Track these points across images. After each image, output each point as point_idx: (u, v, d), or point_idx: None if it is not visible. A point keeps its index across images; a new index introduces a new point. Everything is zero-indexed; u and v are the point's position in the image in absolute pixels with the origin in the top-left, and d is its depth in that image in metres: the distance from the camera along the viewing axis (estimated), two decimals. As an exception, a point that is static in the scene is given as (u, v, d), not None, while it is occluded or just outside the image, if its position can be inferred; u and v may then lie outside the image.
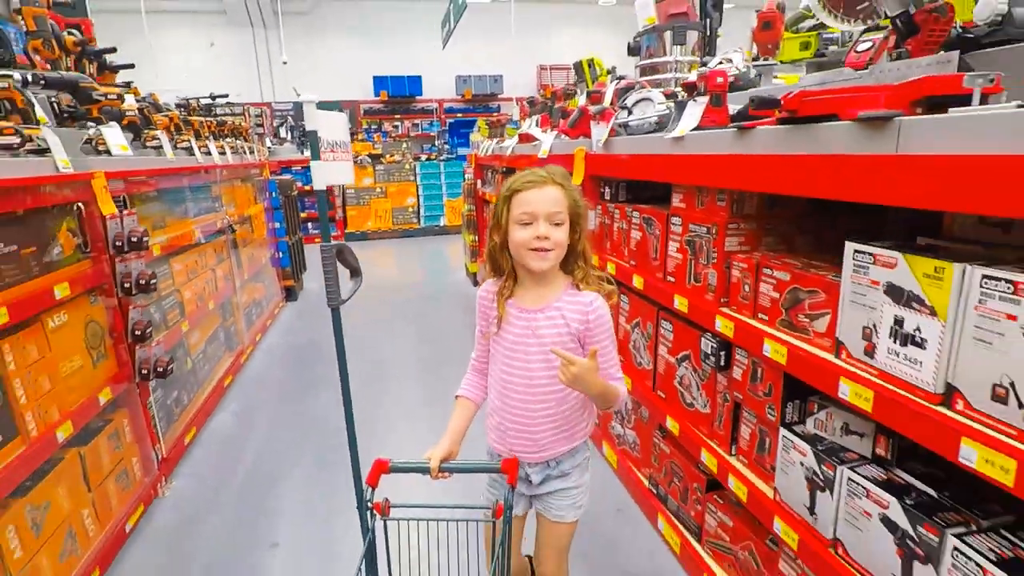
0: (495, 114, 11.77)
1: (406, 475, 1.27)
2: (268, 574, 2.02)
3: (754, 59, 2.13)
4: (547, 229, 1.24)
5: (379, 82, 12.37)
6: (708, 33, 2.81)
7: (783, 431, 1.40)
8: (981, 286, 0.92)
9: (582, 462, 1.43)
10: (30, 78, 2.18)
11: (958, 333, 0.96)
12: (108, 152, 2.36)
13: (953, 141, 0.91)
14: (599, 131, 2.39)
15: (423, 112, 12.70)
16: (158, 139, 2.99)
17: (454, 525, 1.26)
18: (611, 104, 2.52)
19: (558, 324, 1.30)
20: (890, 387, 1.09)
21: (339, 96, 12.37)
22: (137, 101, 3.07)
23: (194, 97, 4.65)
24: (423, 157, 11.09)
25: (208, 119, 4.23)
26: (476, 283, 6.05)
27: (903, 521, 1.08)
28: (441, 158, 10.65)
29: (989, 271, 0.91)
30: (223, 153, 3.94)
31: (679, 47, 2.65)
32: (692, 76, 1.91)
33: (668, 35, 2.63)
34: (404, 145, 11.39)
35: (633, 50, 2.79)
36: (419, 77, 12.54)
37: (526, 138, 3.61)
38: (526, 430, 1.34)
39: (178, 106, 4.22)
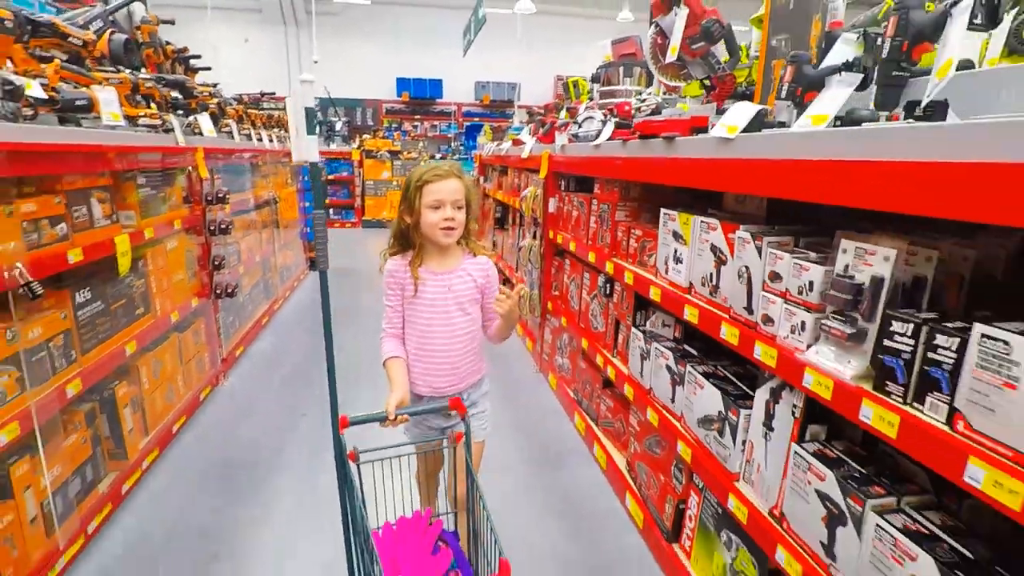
0: (509, 120, 12.74)
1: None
2: (298, 431, 2.94)
3: (665, 93, 3.03)
4: (452, 212, 1.60)
5: (402, 84, 13.44)
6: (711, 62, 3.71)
7: (633, 329, 2.30)
8: (700, 228, 1.82)
9: (486, 392, 1.82)
10: (158, 80, 3.15)
11: (695, 253, 1.86)
12: (201, 134, 3.32)
13: (699, 150, 1.80)
14: (560, 139, 3.31)
15: (442, 114, 13.71)
16: (229, 127, 3.96)
17: (406, 460, 1.55)
18: (571, 119, 3.44)
19: (467, 281, 1.69)
20: (672, 289, 1.98)
21: (363, 95, 13.45)
22: (214, 96, 4.05)
23: (247, 93, 5.65)
24: (437, 156, 12.05)
25: (259, 112, 5.21)
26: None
27: (674, 364, 1.97)
28: (454, 157, 11.59)
29: (704, 219, 1.80)
30: (271, 141, 4.92)
31: (628, 78, 3.56)
32: (633, 102, 2.81)
33: (620, 69, 3.54)
34: (421, 144, 12.36)
35: (595, 78, 3.71)
36: (440, 81, 13.58)
37: (517, 142, 4.55)
38: (450, 368, 1.69)
39: (235, 99, 5.20)
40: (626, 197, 2.52)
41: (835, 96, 1.29)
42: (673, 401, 1.98)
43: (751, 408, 1.56)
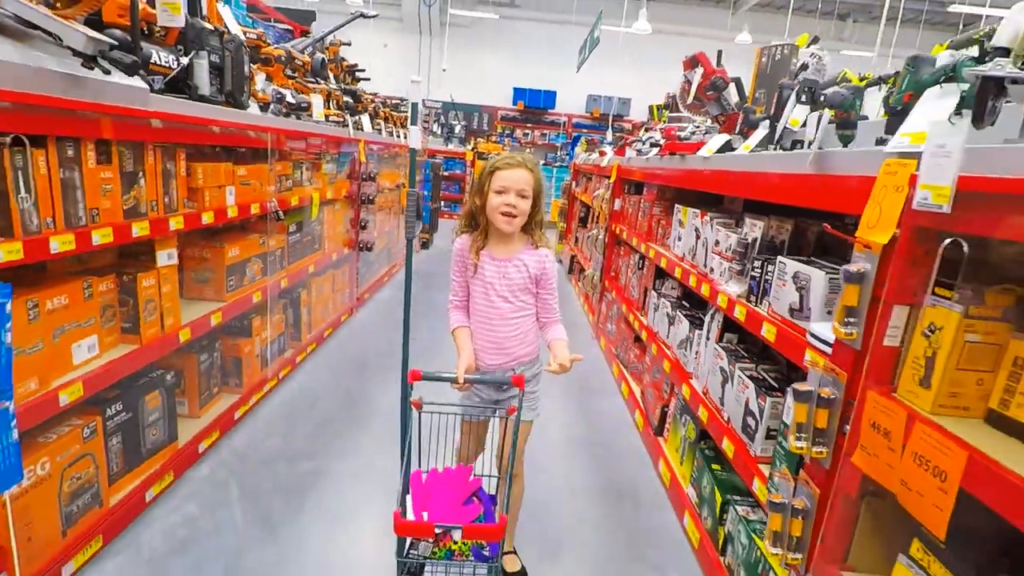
0: (618, 134, 13.68)
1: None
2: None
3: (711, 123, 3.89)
4: (515, 199, 1.71)
5: (518, 93, 14.83)
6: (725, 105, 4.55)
7: (651, 291, 3.22)
8: (690, 215, 2.73)
9: (539, 373, 1.91)
10: (341, 88, 4.53)
11: (687, 233, 2.78)
12: (362, 129, 4.66)
13: (693, 164, 2.72)
14: (628, 153, 4.28)
15: (552, 124, 14.92)
16: (380, 125, 5.33)
17: (454, 420, 1.74)
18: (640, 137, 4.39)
19: (521, 270, 1.79)
20: (673, 258, 2.90)
21: (482, 101, 15.00)
22: (372, 102, 5.45)
23: (390, 96, 7.13)
24: (541, 162, 13.23)
25: (398, 114, 6.63)
26: (558, 260, 8.04)
27: (670, 311, 2.88)
28: (556, 164, 12.72)
29: (693, 210, 2.72)
30: (405, 137, 6.30)
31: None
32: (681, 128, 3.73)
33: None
34: (528, 150, 13.64)
35: (667, 105, 4.62)
36: (554, 92, 14.82)
37: (601, 154, 5.55)
38: (495, 346, 1.83)
39: (380, 103, 6.66)
40: (661, 197, 3.45)
41: (756, 136, 2.20)
42: (668, 336, 2.90)
43: (703, 328, 2.47)
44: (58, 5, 1.65)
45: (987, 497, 0.96)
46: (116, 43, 1.72)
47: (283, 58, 3.26)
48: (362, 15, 4.86)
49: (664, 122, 5.38)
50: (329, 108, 4.07)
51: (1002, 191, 0.99)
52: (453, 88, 14.06)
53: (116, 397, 2.06)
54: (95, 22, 1.81)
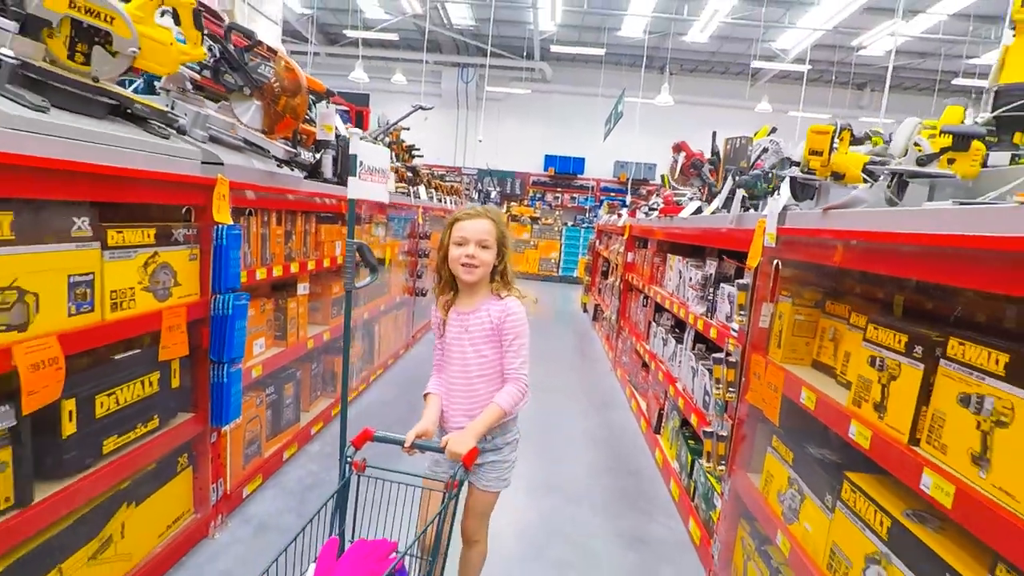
0: (633, 197, 14.83)
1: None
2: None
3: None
4: (475, 250, 1.73)
5: (549, 160, 16.26)
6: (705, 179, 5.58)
7: (652, 322, 4.14)
8: (676, 260, 3.69)
9: (512, 441, 1.85)
10: (403, 166, 5.74)
11: (674, 274, 3.72)
12: (419, 197, 5.82)
13: (673, 223, 3.69)
14: (639, 214, 5.30)
15: (582, 188, 16.21)
16: (431, 193, 6.52)
17: (411, 491, 1.64)
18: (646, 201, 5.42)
19: (483, 320, 1.79)
20: (665, 294, 3.83)
21: (515, 167, 16.45)
22: (427, 175, 6.67)
23: (434, 166, 8.41)
24: (570, 223, 14.39)
25: (443, 183, 7.87)
26: (584, 310, 8.98)
27: (664, 335, 3.78)
28: (584, 226, 13.84)
29: (678, 257, 3.67)
30: (450, 203, 7.49)
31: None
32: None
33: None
34: (558, 213, 14.85)
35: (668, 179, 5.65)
36: (583, 159, 16.19)
37: (619, 215, 6.59)
38: (466, 408, 1.81)
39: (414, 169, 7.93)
40: (659, 249, 4.41)
41: (715, 204, 3.18)
42: (662, 355, 3.79)
43: (683, 342, 3.37)
44: (265, 132, 2.79)
45: (795, 396, 1.85)
46: (296, 152, 2.84)
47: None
48: (420, 107, 6.13)
49: (669, 189, 6.43)
50: (398, 182, 5.24)
51: (793, 234, 1.94)
52: (488, 156, 15.56)
53: (270, 383, 3.06)
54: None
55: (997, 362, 1.11)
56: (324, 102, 3.16)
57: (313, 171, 3.30)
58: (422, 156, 6.96)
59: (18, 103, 1.54)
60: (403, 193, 5.23)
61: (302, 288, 3.27)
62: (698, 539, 2.64)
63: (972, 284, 1.23)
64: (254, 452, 2.88)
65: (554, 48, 13.90)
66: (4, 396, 1.53)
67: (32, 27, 1.64)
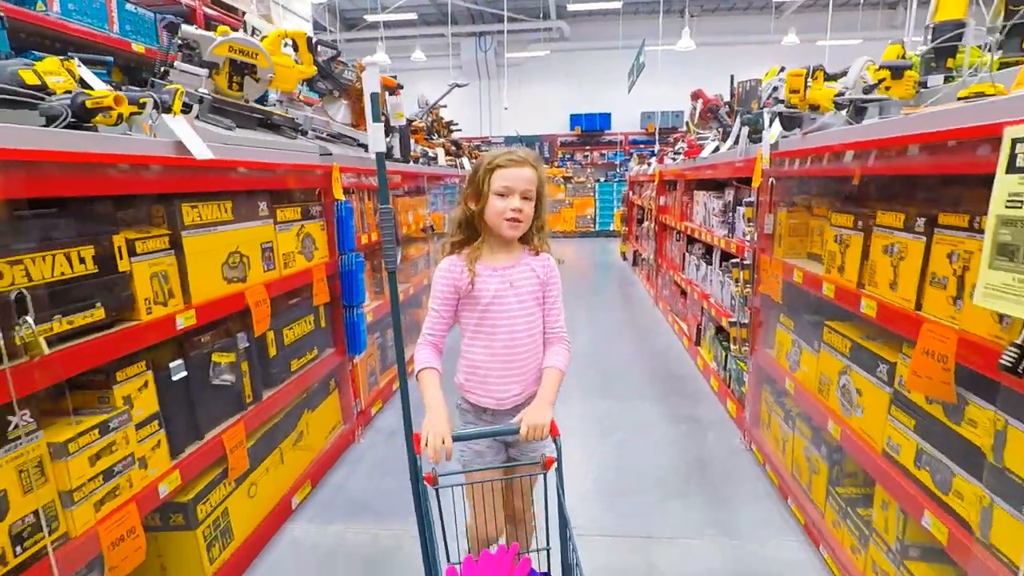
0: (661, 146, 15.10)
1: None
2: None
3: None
4: (521, 203, 1.53)
5: (574, 119, 16.58)
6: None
7: (686, 252, 4.75)
8: (702, 195, 4.28)
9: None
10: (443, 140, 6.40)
11: (701, 207, 4.31)
12: (462, 168, 6.48)
13: (696, 163, 4.26)
14: (667, 160, 5.84)
15: (610, 144, 16.51)
16: (463, 162, 7.19)
17: (489, 487, 1.54)
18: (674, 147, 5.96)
19: (529, 276, 1.62)
20: (695, 227, 4.43)
21: (541, 131, 16.87)
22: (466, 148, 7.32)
23: (465, 138, 9.06)
24: (602, 179, 14.83)
25: (479, 151, 8.52)
26: (624, 258, 9.59)
27: (697, 261, 4.40)
28: (616, 180, 14.27)
29: (702, 192, 4.26)
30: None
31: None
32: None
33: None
34: (588, 171, 15.29)
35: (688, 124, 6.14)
36: (608, 114, 16.44)
37: (648, 164, 7.12)
38: (514, 374, 1.62)
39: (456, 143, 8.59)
40: (686, 188, 4.98)
41: (729, 142, 3.74)
42: (696, 279, 4.42)
43: (712, 263, 3.99)
44: (353, 126, 3.49)
45: (790, 278, 2.48)
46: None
47: (418, 129, 5.13)
48: (457, 85, 6.74)
49: (693, 134, 6.91)
50: (447, 156, 5.92)
51: (783, 157, 2.54)
52: (513, 122, 16.01)
53: (376, 328, 3.84)
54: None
55: (899, 220, 1.73)
56: (393, 95, 3.85)
57: (388, 154, 4.01)
58: (460, 130, 7.61)
59: (217, 126, 2.27)
60: (451, 165, 5.91)
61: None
62: (734, 412, 3.32)
63: (891, 171, 1.84)
64: (373, 382, 3.69)
65: (571, 6, 14.12)
66: (241, 327, 2.31)
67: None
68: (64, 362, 1.47)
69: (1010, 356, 1.15)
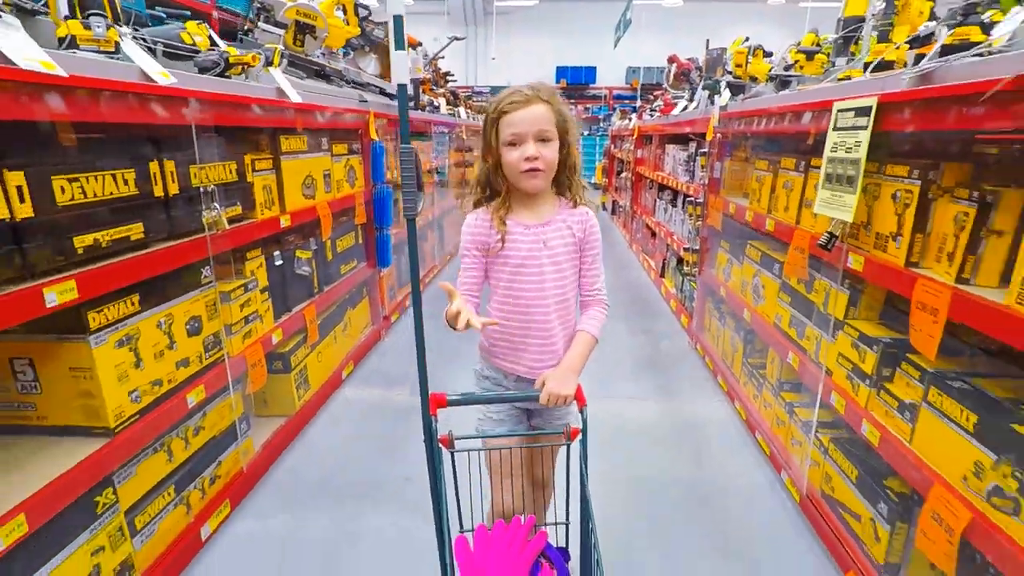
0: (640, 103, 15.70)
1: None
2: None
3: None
4: (536, 148, 1.34)
5: (560, 71, 16.98)
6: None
7: (657, 200, 5.58)
8: (670, 147, 5.07)
9: None
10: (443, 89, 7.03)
11: (670, 160, 5.12)
12: (459, 116, 7.14)
13: (667, 120, 5.03)
14: (645, 116, 6.59)
15: (595, 98, 17.01)
16: (469, 112, 7.83)
17: (508, 453, 1.46)
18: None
19: (565, 234, 1.47)
20: (664, 175, 5.24)
21: (527, 82, 17.25)
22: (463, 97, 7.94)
23: (460, 87, 9.62)
24: (586, 133, 15.43)
25: (474, 102, 9.11)
26: (603, 208, 10.41)
27: (665, 205, 5.23)
28: (598, 134, 14.90)
29: (671, 144, 5.06)
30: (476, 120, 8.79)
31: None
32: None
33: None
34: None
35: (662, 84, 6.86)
36: (594, 68, 16.89)
37: (629, 119, 7.85)
38: (548, 342, 1.50)
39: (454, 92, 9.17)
40: (660, 142, 5.76)
41: (695, 103, 4.51)
42: (664, 220, 5.26)
43: (677, 205, 4.82)
44: (381, 76, 4.17)
45: (726, 211, 3.31)
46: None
47: (425, 80, 5.78)
48: (456, 38, 7.31)
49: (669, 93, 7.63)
50: (447, 105, 6.57)
51: (729, 117, 3.34)
52: (499, 72, 16.36)
53: (394, 251, 4.60)
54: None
55: (792, 163, 2.56)
56: (413, 50, 4.50)
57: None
58: (456, 80, 8.19)
59: (294, 76, 2.97)
60: (451, 114, 6.57)
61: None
62: (686, 324, 4.22)
63: (799, 130, 2.66)
64: (391, 296, 4.48)
65: (560, -44, 14.30)
66: (311, 234, 3.07)
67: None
68: (233, 237, 2.24)
69: (824, 239, 2.00)
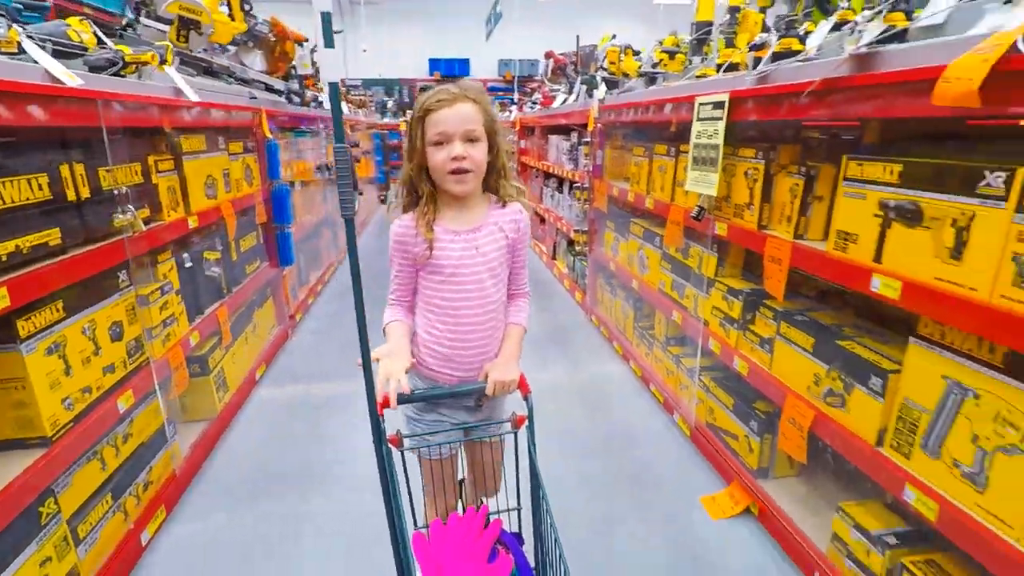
0: (520, 94, 16.24)
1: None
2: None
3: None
4: (464, 148, 1.30)
5: (433, 63, 17.03)
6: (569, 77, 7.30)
7: (544, 187, 5.98)
8: (553, 138, 5.48)
9: None
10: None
11: (554, 150, 5.52)
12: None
13: (546, 112, 5.42)
14: (526, 108, 6.97)
15: (468, 90, 17.26)
16: (348, 106, 7.77)
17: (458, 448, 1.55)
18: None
19: (498, 237, 1.42)
20: (548, 164, 5.64)
21: (400, 75, 17.16)
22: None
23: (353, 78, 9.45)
24: (465, 125, 15.66)
25: (352, 95, 9.02)
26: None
27: (551, 192, 5.64)
28: (478, 126, 15.19)
29: (553, 135, 5.46)
30: (363, 115, 8.71)
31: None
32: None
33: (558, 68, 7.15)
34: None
35: (545, 73, 7.30)
36: (467, 60, 17.13)
37: (509, 112, 8.21)
38: (484, 348, 1.46)
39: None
40: (543, 133, 6.16)
41: (572, 97, 4.92)
42: (552, 206, 5.66)
43: (563, 191, 5.22)
44: (271, 72, 4.12)
45: (611, 192, 3.72)
46: (290, 85, 4.21)
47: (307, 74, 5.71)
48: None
49: (547, 87, 8.10)
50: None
51: (607, 109, 3.75)
52: (371, 64, 16.12)
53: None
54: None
55: (665, 150, 2.98)
56: (302, 46, 4.47)
57: (288, 98, 4.66)
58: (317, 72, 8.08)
59: (184, 74, 2.94)
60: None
61: (298, 185, 4.73)
62: (580, 300, 4.64)
63: (658, 120, 3.08)
64: (295, 295, 4.47)
65: (427, -53, 14.32)
66: (216, 235, 3.05)
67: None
68: (148, 239, 2.23)
69: (695, 212, 2.41)
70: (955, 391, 1.42)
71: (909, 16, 1.51)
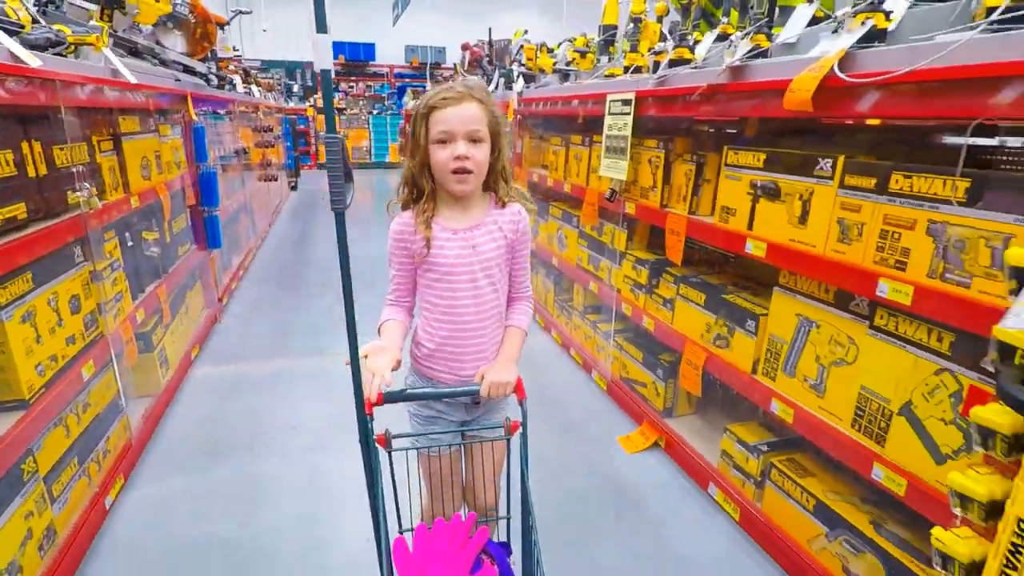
0: (434, 82, 16.33)
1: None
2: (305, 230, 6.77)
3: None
4: (467, 148, 1.30)
5: (337, 47, 16.61)
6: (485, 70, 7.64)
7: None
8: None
9: None
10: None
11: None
12: (253, 95, 6.99)
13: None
14: (442, 98, 7.21)
15: (375, 75, 17.06)
16: (253, 88, 7.64)
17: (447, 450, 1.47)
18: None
19: (496, 236, 1.42)
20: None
21: (303, 57, 16.68)
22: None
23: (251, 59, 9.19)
24: (375, 112, 15.59)
25: (260, 78, 8.81)
26: (405, 187, 10.87)
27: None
28: (388, 113, 15.18)
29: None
30: (272, 99, 8.56)
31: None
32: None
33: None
34: (361, 102, 15.88)
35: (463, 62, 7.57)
36: (373, 45, 16.90)
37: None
38: (481, 348, 1.46)
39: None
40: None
41: (489, 86, 5.25)
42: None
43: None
44: (191, 54, 4.12)
45: (531, 178, 4.10)
46: (211, 68, 4.23)
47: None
48: (241, 12, 7.07)
49: (462, 77, 8.37)
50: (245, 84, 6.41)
51: (526, 101, 4.12)
52: (274, 46, 15.57)
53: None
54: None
55: (580, 140, 3.38)
56: (222, 29, 4.47)
57: (207, 80, 4.64)
58: (240, 55, 7.89)
59: (115, 55, 2.98)
60: (246, 93, 6.44)
61: (218, 169, 4.72)
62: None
63: (570, 112, 3.48)
64: (221, 278, 4.50)
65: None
66: (152, 216, 3.10)
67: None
68: (100, 216, 2.32)
69: (608, 194, 2.83)
70: (804, 324, 1.90)
71: (770, 38, 1.97)
